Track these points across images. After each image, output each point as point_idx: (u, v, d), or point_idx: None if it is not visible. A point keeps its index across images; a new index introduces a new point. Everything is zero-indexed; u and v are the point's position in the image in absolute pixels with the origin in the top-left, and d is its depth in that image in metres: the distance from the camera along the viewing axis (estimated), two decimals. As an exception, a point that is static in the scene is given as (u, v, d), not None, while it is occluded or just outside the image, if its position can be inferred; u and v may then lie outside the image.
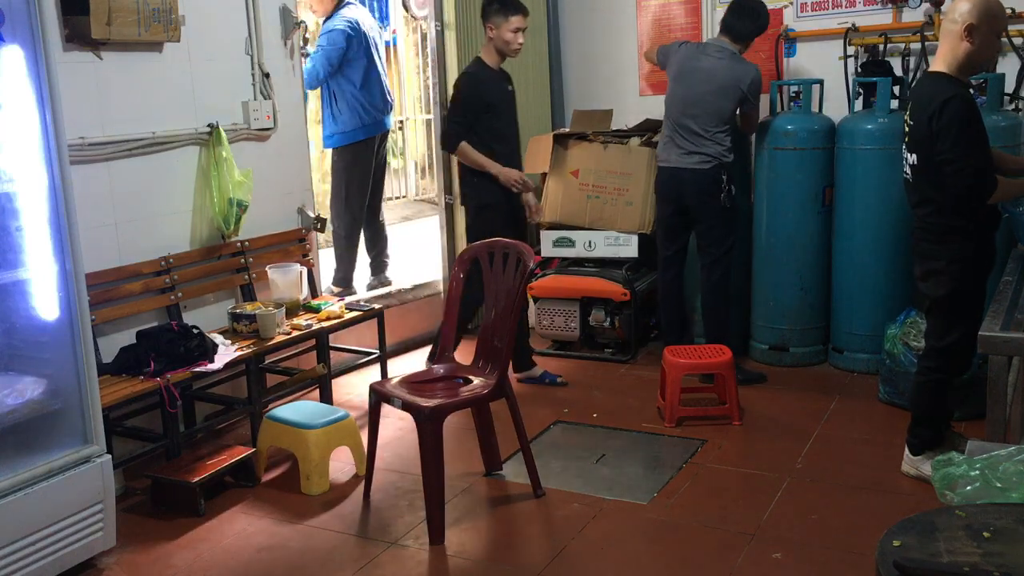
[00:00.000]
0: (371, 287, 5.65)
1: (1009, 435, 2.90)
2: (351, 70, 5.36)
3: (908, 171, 3.42)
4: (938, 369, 3.45)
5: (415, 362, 5.03)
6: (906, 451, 3.59)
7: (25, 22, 2.85)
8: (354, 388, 4.72)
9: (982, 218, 3.31)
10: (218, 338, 3.95)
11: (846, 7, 5.16)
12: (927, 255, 3.39)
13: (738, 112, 4.69)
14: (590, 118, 5.52)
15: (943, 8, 4.72)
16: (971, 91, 3.40)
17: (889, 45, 4.97)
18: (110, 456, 3.17)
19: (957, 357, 3.43)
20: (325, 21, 5.45)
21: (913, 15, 4.95)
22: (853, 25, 5.07)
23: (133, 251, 3.92)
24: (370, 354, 4.69)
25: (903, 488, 3.52)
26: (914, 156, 3.35)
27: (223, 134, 4.14)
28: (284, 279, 4.36)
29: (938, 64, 3.33)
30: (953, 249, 3.30)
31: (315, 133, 8.03)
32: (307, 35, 4.79)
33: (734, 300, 4.88)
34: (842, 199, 4.74)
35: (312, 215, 4.72)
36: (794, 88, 4.94)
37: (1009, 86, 4.68)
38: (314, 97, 8.07)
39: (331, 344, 4.43)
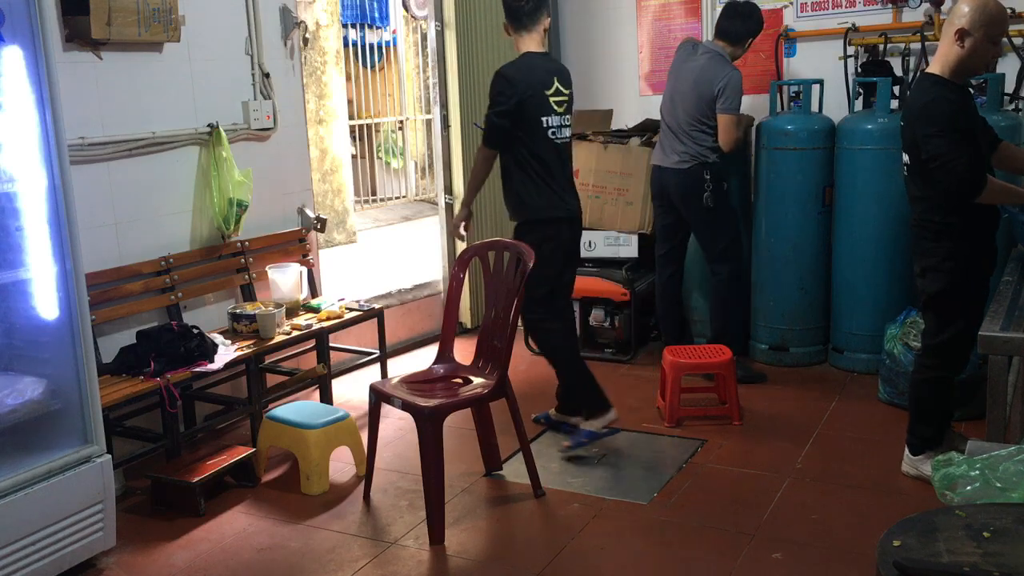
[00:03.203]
0: None
1: (1009, 435, 2.90)
2: None
3: (904, 170, 3.45)
4: (934, 367, 3.45)
5: (415, 362, 5.03)
6: (906, 451, 3.59)
7: (25, 22, 2.85)
8: (354, 388, 4.71)
9: (977, 217, 3.31)
10: (218, 338, 3.95)
11: (846, 7, 5.16)
12: (924, 252, 3.40)
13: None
14: (590, 118, 5.52)
15: (943, 8, 4.72)
16: (970, 90, 3.39)
17: (889, 45, 4.97)
18: (110, 456, 3.17)
19: (952, 354, 3.43)
20: None
21: (913, 15, 4.95)
22: (853, 25, 5.07)
23: (133, 251, 3.92)
24: (370, 354, 4.69)
25: (903, 488, 3.52)
26: (906, 156, 3.38)
27: (223, 134, 4.14)
28: (284, 279, 4.36)
29: (933, 65, 3.34)
30: (947, 247, 3.31)
31: (315, 133, 8.07)
32: (307, 35, 4.78)
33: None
34: (842, 199, 4.74)
35: (312, 215, 4.72)
36: (794, 88, 4.94)
37: (1009, 86, 4.69)
38: (313, 98, 8.10)
39: (331, 344, 4.43)
